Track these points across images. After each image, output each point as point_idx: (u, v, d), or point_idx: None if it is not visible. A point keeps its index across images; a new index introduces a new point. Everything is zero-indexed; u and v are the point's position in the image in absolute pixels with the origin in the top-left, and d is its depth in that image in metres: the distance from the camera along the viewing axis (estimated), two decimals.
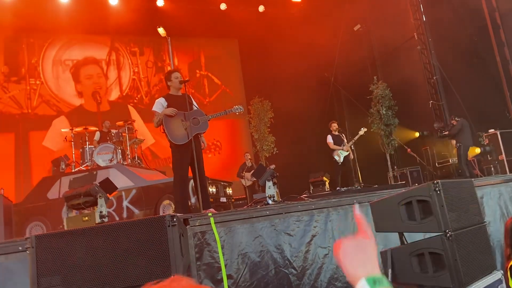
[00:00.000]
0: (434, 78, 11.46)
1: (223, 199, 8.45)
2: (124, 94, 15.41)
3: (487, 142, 9.78)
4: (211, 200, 7.30)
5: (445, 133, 9.81)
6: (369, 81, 11.27)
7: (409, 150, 11.37)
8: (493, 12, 9.95)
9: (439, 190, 2.79)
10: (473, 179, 3.58)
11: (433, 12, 11.18)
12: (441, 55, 11.36)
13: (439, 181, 2.83)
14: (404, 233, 3.29)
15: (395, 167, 11.29)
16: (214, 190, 8.08)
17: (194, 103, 5.48)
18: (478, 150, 9.94)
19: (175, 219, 2.44)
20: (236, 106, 5.68)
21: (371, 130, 10.58)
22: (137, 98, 15.28)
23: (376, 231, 3.37)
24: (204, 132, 5.31)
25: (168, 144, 5.25)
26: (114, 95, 15.32)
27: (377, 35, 12.04)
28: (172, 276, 0.57)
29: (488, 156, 9.73)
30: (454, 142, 9.58)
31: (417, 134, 11.86)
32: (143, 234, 2.35)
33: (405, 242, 3.20)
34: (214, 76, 15.85)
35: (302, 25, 12.55)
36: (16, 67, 14.49)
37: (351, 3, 11.71)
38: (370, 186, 8.72)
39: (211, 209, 4.93)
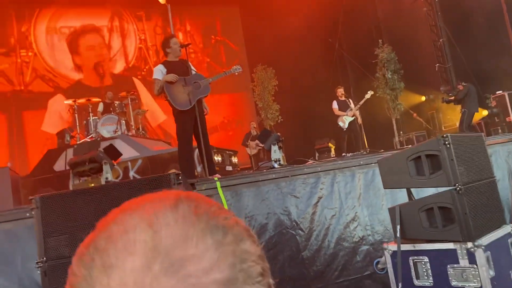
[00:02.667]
0: (441, 40, 11.21)
1: (229, 168, 8.42)
2: (130, 65, 14.00)
3: (495, 104, 9.63)
4: (217, 168, 7.30)
5: (451, 98, 9.66)
6: (374, 44, 11.02)
7: (415, 114, 11.25)
8: None
9: (449, 144, 2.73)
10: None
11: None
12: (447, 17, 11.07)
13: (448, 134, 2.77)
14: (412, 192, 3.26)
15: (401, 132, 11.20)
16: (220, 159, 8.04)
17: (193, 67, 5.38)
18: (485, 113, 9.81)
19: (180, 177, 2.40)
20: (235, 66, 5.56)
21: (377, 95, 10.42)
22: (145, 70, 13.88)
23: (384, 188, 3.34)
24: (206, 96, 5.22)
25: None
26: (119, 67, 13.92)
27: None
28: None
29: (496, 118, 9.60)
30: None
31: (423, 98, 11.70)
32: (147, 191, 2.31)
33: (413, 199, 3.17)
34: (231, 43, 14.84)
35: None
36: (4, 37, 12.78)
37: None
38: (376, 151, 8.66)
39: (217, 174, 4.90)
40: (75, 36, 13.53)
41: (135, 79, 13.77)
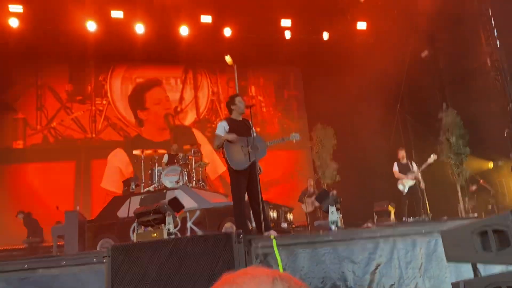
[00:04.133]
0: (510, 105, 10.80)
1: (284, 225, 8.38)
2: (201, 117, 14.14)
3: None
4: (272, 224, 7.32)
5: None
6: (438, 108, 10.85)
7: (481, 181, 10.70)
8: None
9: None
10: None
11: (507, 36, 10.66)
12: None
13: None
14: (478, 265, 3.10)
15: (466, 199, 10.65)
16: (275, 215, 8.04)
17: (253, 128, 5.55)
18: None
19: (241, 237, 2.50)
20: (293, 133, 5.67)
21: (440, 159, 10.11)
22: (215, 123, 13.52)
23: (447, 262, 3.21)
24: (261, 158, 5.35)
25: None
26: (190, 118, 14.10)
27: (446, 61, 11.65)
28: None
29: None
30: None
31: (491, 165, 11.14)
32: (210, 248, 2.43)
33: (479, 275, 3.01)
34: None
35: (366, 52, 12.45)
36: (82, 85, 13.43)
37: (418, 30, 11.48)
38: (439, 218, 8.28)
39: (273, 231, 4.93)
40: (147, 87, 13.98)
41: (195, 130, 13.99)
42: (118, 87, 13.78)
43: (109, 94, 13.60)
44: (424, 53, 11.79)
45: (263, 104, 14.99)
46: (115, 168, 12.76)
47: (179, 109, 14.14)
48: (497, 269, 3.10)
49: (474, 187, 10.33)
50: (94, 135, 13.20)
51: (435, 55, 11.57)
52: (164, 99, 14.13)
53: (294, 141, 5.61)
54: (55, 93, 13.31)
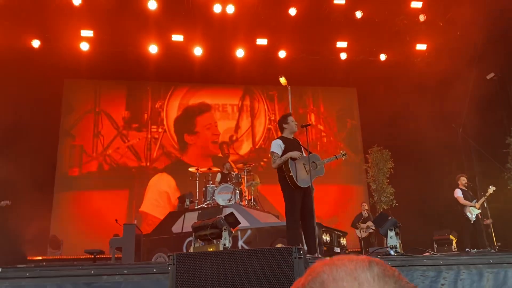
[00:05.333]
0: None
1: (337, 249, 8.20)
2: (257, 146, 13.80)
3: None
4: (324, 248, 7.19)
5: None
6: (506, 133, 10.32)
7: None
8: None
9: None
10: None
11: None
12: None
13: None
14: None
15: None
16: (328, 238, 7.89)
17: (305, 148, 5.61)
18: None
19: (301, 252, 2.50)
20: (342, 151, 5.91)
21: (508, 187, 9.57)
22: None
23: None
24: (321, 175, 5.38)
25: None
26: (245, 148, 13.75)
27: None
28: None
29: None
30: None
31: None
32: (269, 262, 2.44)
33: None
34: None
35: (426, 73, 12.16)
36: (139, 113, 13.41)
37: (484, 50, 11.06)
38: (508, 249, 7.79)
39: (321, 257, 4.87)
40: (199, 111, 13.84)
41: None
42: (175, 114, 13.71)
43: (165, 122, 13.52)
44: (490, 75, 11.32)
45: (324, 134, 14.54)
46: (159, 192, 12.66)
47: (234, 138, 13.79)
48: None
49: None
50: (148, 164, 13.07)
51: (503, 78, 11.06)
52: (213, 125, 13.87)
53: (343, 158, 5.80)
54: (112, 120, 13.38)
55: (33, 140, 10.90)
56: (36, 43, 11.52)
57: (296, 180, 5.11)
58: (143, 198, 12.66)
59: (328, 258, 0.64)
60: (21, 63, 11.18)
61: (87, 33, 11.58)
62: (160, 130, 13.36)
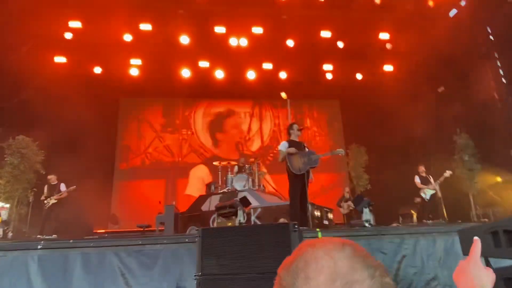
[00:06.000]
0: None
1: (326, 222, 8.18)
2: (264, 144, 13.79)
3: None
4: (316, 221, 7.18)
5: None
6: (453, 132, 10.21)
7: (491, 192, 9.82)
8: None
9: None
10: None
11: (511, 75, 9.89)
12: None
13: None
14: (490, 259, 2.86)
15: (477, 207, 9.80)
16: (319, 214, 7.86)
17: (307, 147, 5.63)
18: None
19: (296, 227, 2.52)
20: (339, 149, 5.73)
21: (455, 174, 9.46)
22: (276, 149, 13.28)
23: (463, 255, 2.99)
24: (315, 167, 5.38)
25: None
26: (255, 145, 13.77)
27: (460, 95, 10.94)
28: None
29: None
30: None
31: (499, 179, 10.20)
32: (273, 235, 2.47)
33: (491, 267, 2.78)
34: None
35: (393, 88, 12.06)
36: (172, 119, 13.47)
37: (436, 70, 10.94)
38: (455, 222, 7.70)
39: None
40: (222, 119, 13.90)
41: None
42: (200, 120, 13.74)
43: (192, 126, 13.55)
44: (440, 89, 11.18)
45: (317, 134, 14.53)
46: (197, 178, 12.73)
47: (247, 138, 13.91)
48: (506, 263, 2.85)
49: (490, 192, 9.38)
50: (180, 159, 13.11)
51: (451, 91, 10.94)
52: (239, 126, 14.02)
53: (340, 155, 5.63)
54: (151, 125, 13.44)
55: (98, 142, 11.05)
56: (98, 70, 11.67)
57: (292, 168, 5.14)
58: (187, 184, 12.69)
59: (313, 239, 0.65)
60: (87, 84, 11.35)
61: (136, 61, 11.70)
62: (189, 133, 13.37)
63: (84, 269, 3.70)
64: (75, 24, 10.28)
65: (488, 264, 2.83)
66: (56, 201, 8.39)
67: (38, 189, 9.05)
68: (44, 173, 9.32)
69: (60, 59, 11.06)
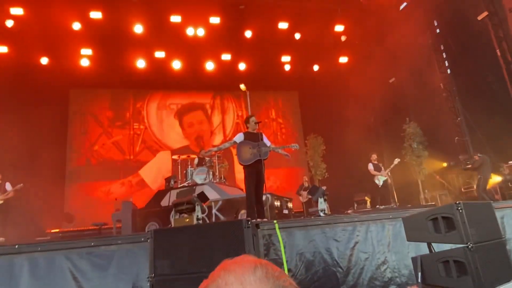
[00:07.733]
0: (458, 119, 10.67)
1: (285, 211, 8.33)
2: (227, 138, 13.02)
3: (508, 171, 8.82)
4: (276, 211, 7.28)
5: (468, 166, 8.99)
6: (403, 121, 10.79)
7: (437, 177, 10.56)
8: (509, 64, 9.16)
9: (461, 209, 2.61)
10: (492, 202, 3.27)
11: (455, 65, 10.59)
12: (464, 100, 10.60)
13: (461, 201, 2.66)
14: (432, 243, 3.08)
15: (426, 190, 10.51)
16: (279, 203, 7.99)
17: (265, 138, 5.57)
18: (499, 179, 8.97)
19: (249, 223, 2.52)
20: (294, 144, 5.68)
21: (405, 160, 10.02)
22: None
23: (408, 241, 3.19)
24: (265, 159, 5.33)
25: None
26: (218, 139, 13.02)
27: (409, 85, 11.55)
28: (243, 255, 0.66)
29: (509, 183, 8.73)
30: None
31: (445, 164, 10.99)
32: (226, 232, 2.45)
33: (433, 251, 2.99)
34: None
35: (348, 79, 12.43)
36: (122, 112, 12.13)
37: (387, 62, 11.44)
38: (405, 206, 8.19)
39: (265, 219, 4.89)
40: (181, 112, 13.08)
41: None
42: (154, 113, 12.57)
43: (145, 120, 12.34)
44: (392, 80, 11.71)
45: (283, 126, 14.26)
46: (157, 165, 11.80)
47: (209, 131, 13.27)
48: (446, 246, 3.08)
49: (437, 176, 10.12)
50: (132, 157, 11.87)
51: (401, 82, 11.49)
52: (199, 118, 13.25)
53: (293, 149, 5.61)
54: (96, 119, 12.08)
55: (47, 139, 10.33)
56: (44, 60, 10.85)
57: (239, 159, 5.11)
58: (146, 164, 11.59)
59: (231, 259, 0.63)
60: (33, 76, 10.51)
61: (87, 51, 11.01)
62: (141, 127, 12.17)
63: (32, 275, 3.47)
64: (17, 10, 9.43)
65: (430, 248, 3.04)
66: (2, 201, 7.77)
67: None
68: None
69: (1, 49, 10.14)
